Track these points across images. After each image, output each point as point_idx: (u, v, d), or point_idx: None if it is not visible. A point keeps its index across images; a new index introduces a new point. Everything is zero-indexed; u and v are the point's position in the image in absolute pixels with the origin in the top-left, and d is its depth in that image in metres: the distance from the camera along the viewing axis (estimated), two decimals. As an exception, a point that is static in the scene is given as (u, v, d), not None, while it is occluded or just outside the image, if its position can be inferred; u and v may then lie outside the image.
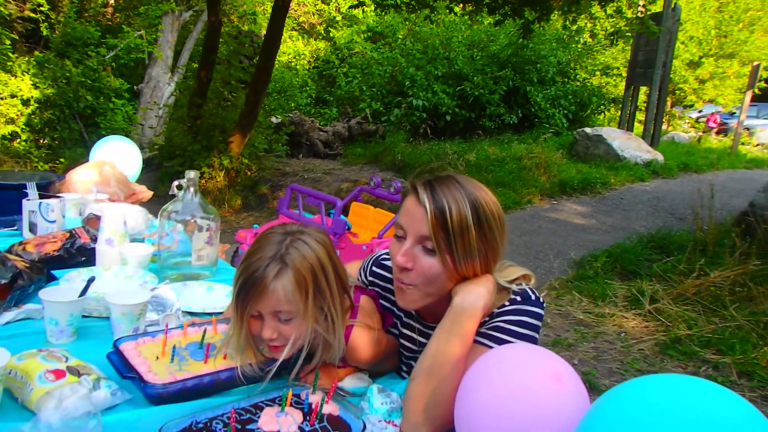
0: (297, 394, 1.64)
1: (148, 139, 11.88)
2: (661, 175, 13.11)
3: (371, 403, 1.68)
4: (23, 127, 10.09)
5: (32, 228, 2.85)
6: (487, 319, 1.68)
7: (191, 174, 2.63)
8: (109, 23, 15.19)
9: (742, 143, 19.57)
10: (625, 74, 17.33)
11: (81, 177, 3.51)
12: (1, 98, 9.99)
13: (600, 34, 23.40)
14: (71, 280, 2.36)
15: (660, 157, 13.67)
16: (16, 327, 2.01)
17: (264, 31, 11.07)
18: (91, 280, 2.06)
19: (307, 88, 17.84)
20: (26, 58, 10.83)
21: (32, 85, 10.23)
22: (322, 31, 21.23)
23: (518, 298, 1.69)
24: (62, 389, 1.49)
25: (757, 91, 19.03)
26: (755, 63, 18.04)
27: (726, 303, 5.79)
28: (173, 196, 2.64)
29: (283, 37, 16.88)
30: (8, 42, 10.45)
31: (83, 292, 1.97)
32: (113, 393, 1.60)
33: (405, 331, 1.95)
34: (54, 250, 2.56)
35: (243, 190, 9.82)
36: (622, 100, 16.37)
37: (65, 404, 1.43)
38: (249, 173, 10.29)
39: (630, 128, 15.33)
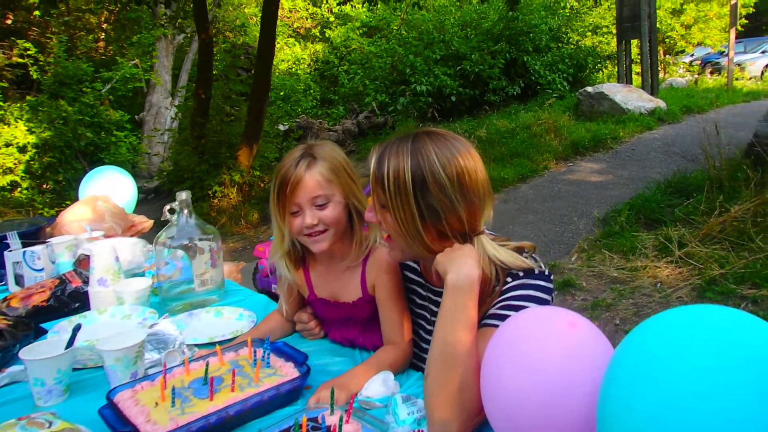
0: (313, 418, 1.48)
1: (157, 167, 11.82)
2: (666, 121, 13.16)
3: (397, 414, 1.57)
4: (23, 175, 9.96)
5: (19, 280, 2.68)
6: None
7: (183, 195, 2.48)
8: (103, 57, 15.18)
9: (736, 79, 20.07)
10: (614, 31, 17.46)
11: (73, 216, 3.30)
12: (-4, 149, 9.88)
13: (584, -3, 23.62)
14: (61, 331, 2.18)
15: (662, 104, 13.75)
16: (1, 393, 1.84)
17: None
18: (77, 328, 1.87)
19: (311, 91, 17.92)
20: (18, 105, 10.72)
21: (27, 130, 10.10)
22: (318, 33, 21.29)
23: (521, 273, 1.65)
24: (45, 461, 1.33)
25: (739, 27, 20.72)
26: (733, 2, 18.41)
27: (751, 235, 5.80)
28: (166, 222, 2.48)
29: (280, 45, 16.90)
30: (-2, 92, 10.37)
31: (69, 344, 1.80)
32: (106, 455, 1.43)
33: (421, 302, 1.95)
34: (42, 301, 2.38)
35: (259, 202, 9.70)
36: (616, 55, 16.55)
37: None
38: (262, 185, 10.17)
39: (629, 81, 15.44)
